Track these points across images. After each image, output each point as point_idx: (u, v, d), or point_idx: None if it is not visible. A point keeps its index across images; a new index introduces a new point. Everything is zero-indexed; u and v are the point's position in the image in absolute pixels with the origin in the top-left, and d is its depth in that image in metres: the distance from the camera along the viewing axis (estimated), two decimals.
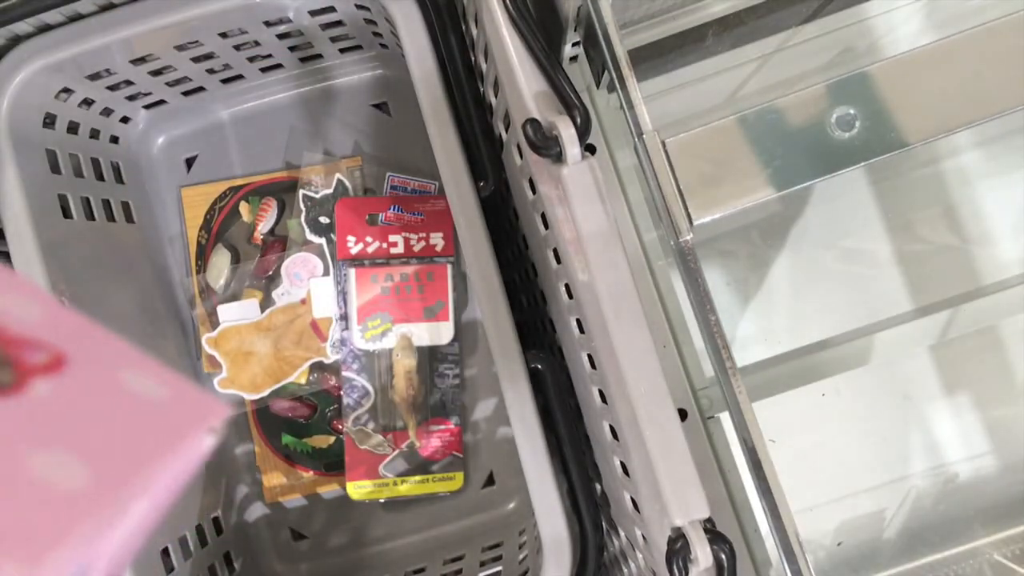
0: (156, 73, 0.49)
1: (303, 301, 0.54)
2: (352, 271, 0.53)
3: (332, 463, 0.55)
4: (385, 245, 0.53)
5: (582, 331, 0.39)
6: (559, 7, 0.37)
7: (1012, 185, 0.51)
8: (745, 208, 0.28)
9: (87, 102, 0.48)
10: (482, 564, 0.49)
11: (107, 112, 0.51)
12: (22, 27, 0.43)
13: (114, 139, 0.53)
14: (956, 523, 0.49)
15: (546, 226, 0.40)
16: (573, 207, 0.34)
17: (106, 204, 0.51)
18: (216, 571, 0.50)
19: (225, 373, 0.53)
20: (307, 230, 0.54)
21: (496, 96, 0.44)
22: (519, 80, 0.35)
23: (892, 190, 0.51)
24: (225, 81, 0.53)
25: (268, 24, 0.47)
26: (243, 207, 0.55)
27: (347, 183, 0.54)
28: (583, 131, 0.33)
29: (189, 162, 0.56)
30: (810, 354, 0.50)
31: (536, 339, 0.50)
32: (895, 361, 0.50)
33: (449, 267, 0.53)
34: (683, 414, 0.49)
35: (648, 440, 0.33)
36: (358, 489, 0.53)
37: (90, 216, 0.49)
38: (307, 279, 0.54)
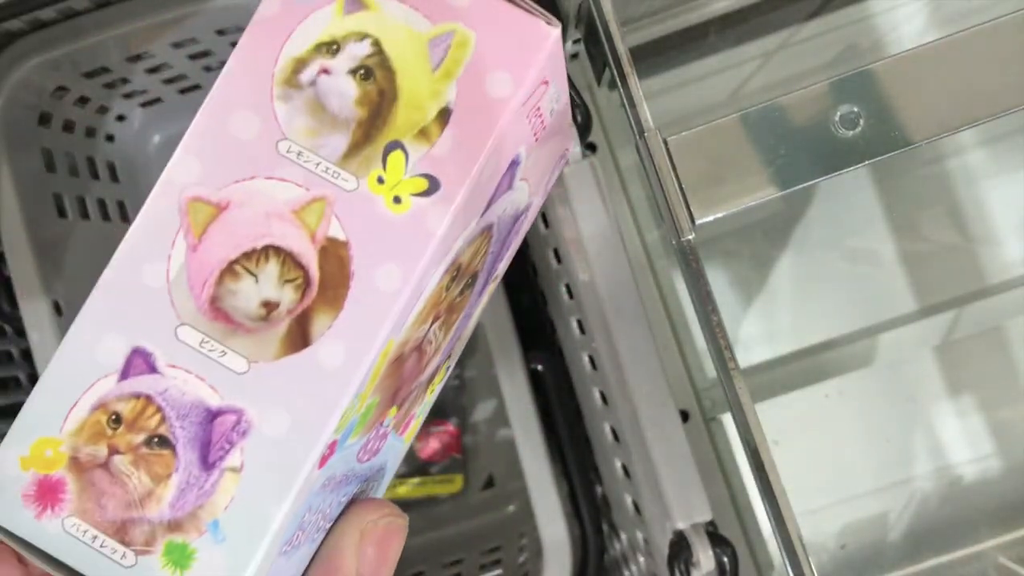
0: (152, 71, 0.48)
1: None
2: None
3: None
4: None
5: (583, 331, 0.38)
6: (559, 4, 0.36)
7: (1017, 184, 0.50)
8: (748, 207, 0.27)
9: (83, 100, 0.48)
10: (481, 567, 0.49)
11: (103, 110, 0.50)
12: (16, 24, 0.42)
13: (109, 137, 0.52)
14: (961, 525, 0.48)
15: (546, 225, 0.39)
16: (574, 206, 0.33)
17: (101, 203, 0.50)
18: None
19: None
20: None
21: None
22: None
23: (896, 189, 0.51)
24: None
25: None
26: None
27: None
28: (584, 129, 0.33)
29: None
30: (813, 355, 0.50)
31: (536, 339, 0.49)
32: (899, 362, 0.50)
33: None
34: (685, 415, 0.48)
35: (649, 442, 0.33)
36: None
37: (85, 215, 0.49)
38: None
